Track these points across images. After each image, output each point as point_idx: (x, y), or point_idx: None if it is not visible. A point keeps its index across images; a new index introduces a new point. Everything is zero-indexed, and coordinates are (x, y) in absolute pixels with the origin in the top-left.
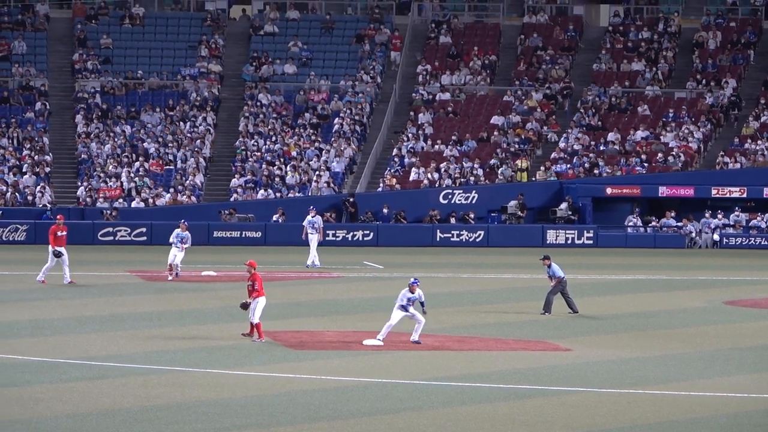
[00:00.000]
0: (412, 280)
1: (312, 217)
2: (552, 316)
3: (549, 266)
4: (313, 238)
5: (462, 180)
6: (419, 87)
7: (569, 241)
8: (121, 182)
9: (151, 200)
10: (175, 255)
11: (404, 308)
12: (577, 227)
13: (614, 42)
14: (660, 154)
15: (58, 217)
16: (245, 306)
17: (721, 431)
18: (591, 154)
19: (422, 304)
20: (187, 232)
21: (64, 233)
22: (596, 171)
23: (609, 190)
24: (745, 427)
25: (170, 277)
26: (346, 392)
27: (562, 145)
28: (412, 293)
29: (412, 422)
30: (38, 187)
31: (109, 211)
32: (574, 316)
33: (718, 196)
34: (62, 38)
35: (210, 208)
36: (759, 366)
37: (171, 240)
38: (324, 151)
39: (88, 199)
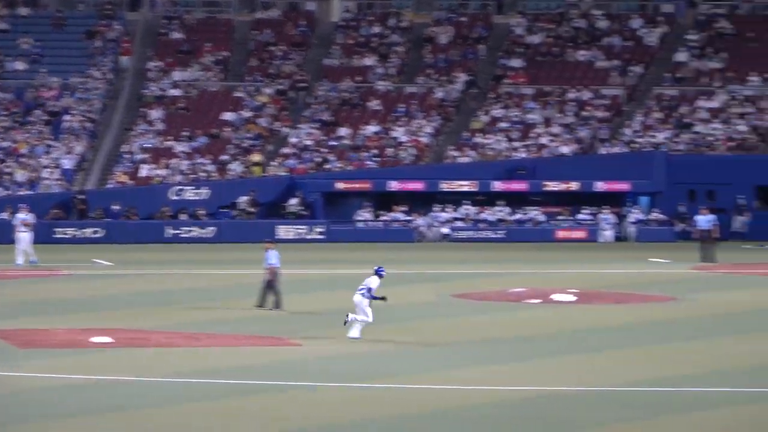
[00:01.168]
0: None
1: (24, 215)
2: (283, 311)
3: (267, 251)
4: (26, 237)
5: (193, 176)
6: (150, 83)
7: (300, 236)
8: None
9: None
10: None
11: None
12: (308, 222)
13: (346, 37)
14: (391, 149)
15: None
16: None
17: (452, 423)
18: (323, 149)
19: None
20: None
21: None
22: (327, 166)
23: (340, 185)
24: (475, 419)
25: None
26: (76, 390)
27: (293, 140)
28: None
29: (139, 419)
30: None
31: None
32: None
33: (447, 189)
34: None
35: None
36: (489, 359)
37: None
38: (54, 148)
39: None
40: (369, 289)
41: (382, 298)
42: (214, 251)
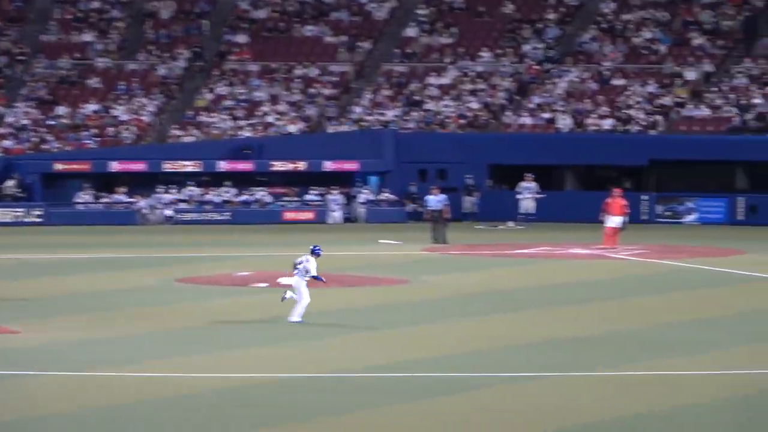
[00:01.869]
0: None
1: None
2: None
3: None
4: None
5: None
6: None
7: (17, 219)
8: None
9: None
10: None
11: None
12: (26, 205)
13: (64, 12)
14: (111, 128)
15: None
16: None
17: (176, 411)
18: (40, 129)
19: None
20: None
21: None
22: (45, 146)
23: (58, 166)
24: (202, 407)
25: None
26: None
27: (9, 119)
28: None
29: None
30: None
31: None
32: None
33: (171, 170)
34: None
35: None
36: (216, 345)
37: None
38: None
39: None
40: (306, 271)
41: (322, 279)
42: None
